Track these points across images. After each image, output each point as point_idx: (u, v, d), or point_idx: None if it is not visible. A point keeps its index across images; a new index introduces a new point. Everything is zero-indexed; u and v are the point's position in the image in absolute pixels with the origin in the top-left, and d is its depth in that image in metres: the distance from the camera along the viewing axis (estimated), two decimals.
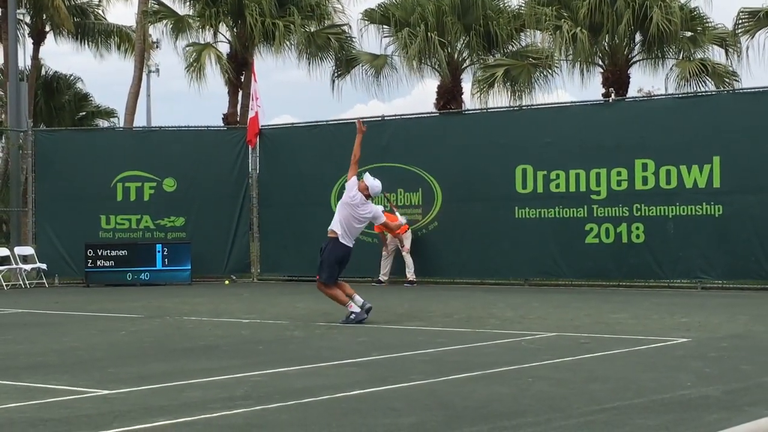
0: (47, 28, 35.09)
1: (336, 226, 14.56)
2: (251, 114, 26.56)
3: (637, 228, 21.70)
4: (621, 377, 9.27)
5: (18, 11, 29.94)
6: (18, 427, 7.25)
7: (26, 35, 34.96)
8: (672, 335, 12.56)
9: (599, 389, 8.59)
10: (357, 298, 14.50)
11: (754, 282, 20.94)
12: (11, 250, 25.52)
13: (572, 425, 7.13)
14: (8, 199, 28.03)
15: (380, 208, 15.58)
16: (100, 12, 37.50)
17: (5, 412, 7.85)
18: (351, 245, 14.63)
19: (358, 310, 14.32)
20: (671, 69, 29.43)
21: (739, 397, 8.20)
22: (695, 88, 28.28)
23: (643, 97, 30.87)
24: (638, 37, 29.29)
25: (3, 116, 33.17)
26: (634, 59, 29.69)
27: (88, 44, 37.02)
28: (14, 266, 25.15)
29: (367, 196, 14.73)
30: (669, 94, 26.46)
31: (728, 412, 7.51)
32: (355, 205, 14.56)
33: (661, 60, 29.51)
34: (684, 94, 25.89)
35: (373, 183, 14.79)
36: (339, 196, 25.10)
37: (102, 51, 37.05)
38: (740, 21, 27.72)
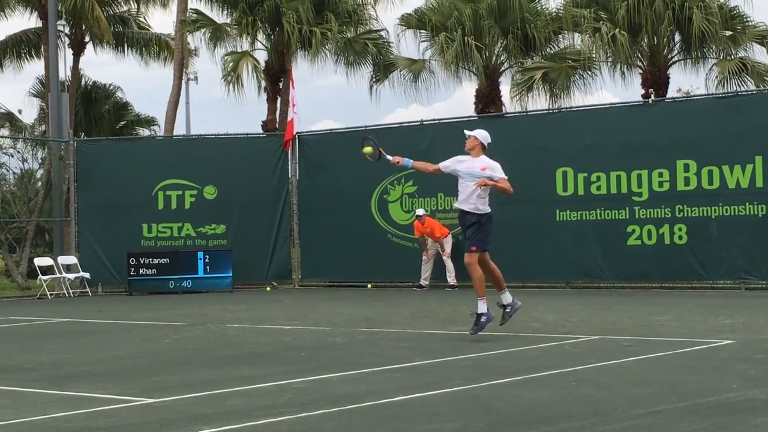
0: (87, 39, 35.33)
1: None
2: (289, 120, 26.75)
3: (680, 229, 21.61)
4: (665, 380, 9.21)
5: (58, 23, 30.15)
6: None
7: (66, 46, 35.23)
8: (716, 337, 12.47)
9: (643, 393, 8.54)
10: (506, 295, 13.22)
11: None
12: (55, 260, 25.75)
13: (616, 429, 7.10)
14: (51, 209, 28.26)
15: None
16: (142, 20, 37.71)
17: (53, 422, 7.92)
18: (465, 208, 13.16)
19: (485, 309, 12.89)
20: (711, 69, 29.23)
21: None
22: (735, 88, 28.05)
23: (683, 97, 30.68)
24: (677, 38, 29.10)
25: (45, 127, 33.43)
26: (674, 59, 29.50)
27: (127, 53, 37.26)
28: (58, 275, 25.36)
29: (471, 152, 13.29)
30: (709, 94, 26.27)
31: None
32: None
33: (701, 60, 29.29)
34: (724, 93, 25.70)
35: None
36: (378, 201, 25.39)
37: (142, 60, 37.29)
38: None
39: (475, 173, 13.03)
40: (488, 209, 13.15)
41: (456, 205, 13.38)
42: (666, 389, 8.68)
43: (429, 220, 23.69)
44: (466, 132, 13.49)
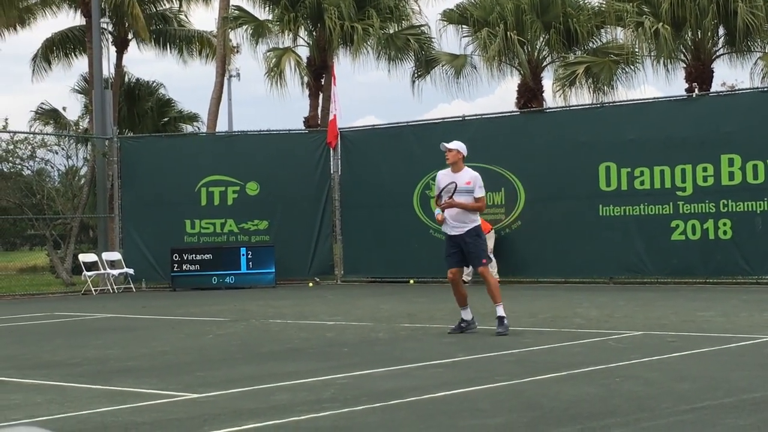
0: (129, 36, 35.59)
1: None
2: (331, 117, 26.80)
3: (724, 224, 21.44)
4: (710, 376, 9.15)
5: (101, 20, 30.37)
6: (111, 431, 7.37)
7: (110, 43, 35.50)
8: (762, 333, 12.37)
9: (688, 388, 8.49)
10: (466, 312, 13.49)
11: None
12: (99, 256, 25.94)
13: (662, 425, 7.06)
14: (95, 205, 28.47)
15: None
16: (183, 18, 37.95)
17: (98, 416, 7.98)
18: (450, 233, 13.32)
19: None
20: (756, 62, 28.98)
21: None
22: None
23: (728, 91, 30.43)
24: (721, 31, 28.86)
25: (89, 124, 33.68)
26: (718, 53, 29.27)
27: (169, 50, 37.50)
28: (102, 271, 25.55)
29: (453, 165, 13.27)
30: (754, 88, 26.06)
31: None
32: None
33: (745, 54, 29.04)
34: None
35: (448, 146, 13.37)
36: (421, 197, 25.36)
37: (189, 56, 37.53)
38: None
39: (462, 188, 13.13)
40: (477, 223, 13.28)
41: (450, 231, 13.27)
42: (711, 385, 8.62)
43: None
44: (445, 145, 13.46)
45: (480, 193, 13.24)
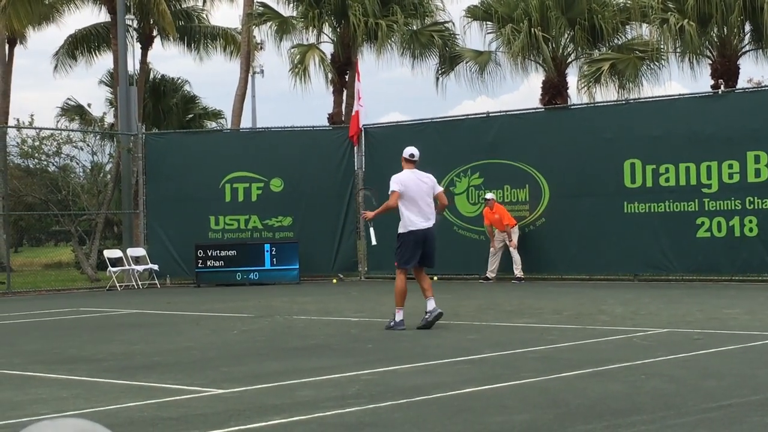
0: (154, 33, 35.71)
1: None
2: (353, 113, 26.83)
3: (750, 221, 21.33)
4: (737, 374, 9.10)
5: (126, 17, 30.48)
6: (137, 426, 7.39)
7: (134, 40, 35.62)
8: None
9: (715, 386, 8.45)
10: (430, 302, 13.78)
11: None
12: (124, 252, 26.03)
13: (688, 423, 7.03)
14: (120, 202, 28.58)
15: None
16: (204, 16, 38.10)
17: (124, 411, 8.01)
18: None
19: (399, 318, 13.68)
20: None
21: None
22: None
23: (754, 87, 30.27)
24: (747, 27, 28.72)
25: (114, 120, 33.82)
26: (744, 49, 29.13)
27: (193, 47, 37.62)
28: (127, 267, 25.64)
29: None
30: None
31: None
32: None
33: None
34: None
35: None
36: (444, 194, 25.24)
37: (206, 53, 37.69)
38: None
39: None
40: (402, 228, 15.07)
41: None
42: (737, 383, 8.58)
43: (498, 207, 23.49)
44: None
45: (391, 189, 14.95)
